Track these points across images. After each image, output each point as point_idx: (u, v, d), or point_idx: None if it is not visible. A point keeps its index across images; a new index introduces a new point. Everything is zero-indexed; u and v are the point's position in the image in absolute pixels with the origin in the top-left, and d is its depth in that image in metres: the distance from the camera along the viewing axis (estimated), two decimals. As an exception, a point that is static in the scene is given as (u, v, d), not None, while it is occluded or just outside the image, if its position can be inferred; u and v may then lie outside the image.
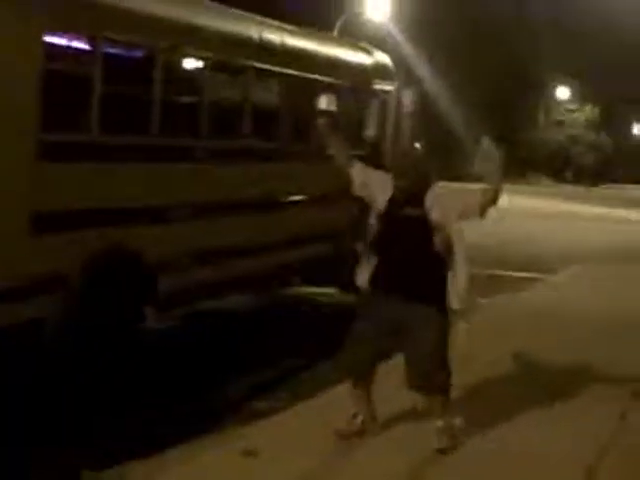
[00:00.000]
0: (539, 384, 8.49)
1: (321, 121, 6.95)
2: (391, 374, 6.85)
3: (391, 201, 6.55)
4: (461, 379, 7.65)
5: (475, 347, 9.61)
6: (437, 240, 6.37)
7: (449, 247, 6.42)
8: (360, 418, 6.83)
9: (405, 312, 6.41)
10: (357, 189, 6.81)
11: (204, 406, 8.01)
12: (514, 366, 9.03)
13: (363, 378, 6.76)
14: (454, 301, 6.49)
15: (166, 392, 8.32)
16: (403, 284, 6.44)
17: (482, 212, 6.49)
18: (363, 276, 6.65)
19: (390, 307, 6.46)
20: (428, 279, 6.45)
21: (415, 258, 6.39)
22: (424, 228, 6.38)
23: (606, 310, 12.25)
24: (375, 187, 6.69)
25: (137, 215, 8.80)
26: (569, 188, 58.36)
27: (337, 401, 7.29)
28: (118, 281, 8.57)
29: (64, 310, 8.07)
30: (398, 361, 6.78)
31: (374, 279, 6.58)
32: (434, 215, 6.37)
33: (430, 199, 6.43)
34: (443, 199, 6.48)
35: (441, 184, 6.64)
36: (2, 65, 7.36)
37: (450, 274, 6.48)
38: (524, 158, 66.57)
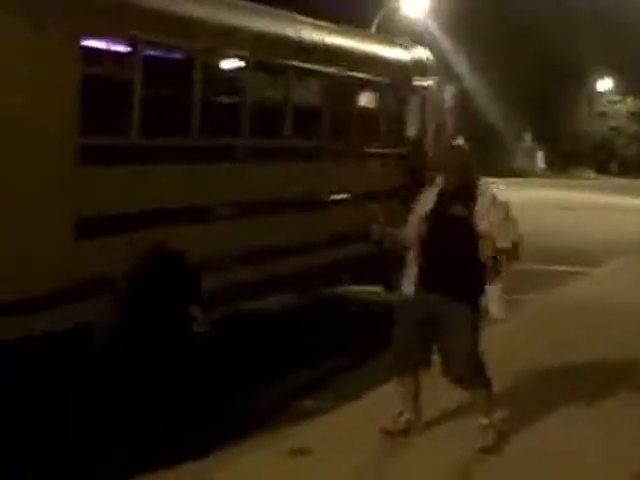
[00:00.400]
0: (585, 380, 8.44)
1: (374, 233, 6.86)
2: (437, 372, 6.81)
3: (439, 198, 6.53)
4: (505, 375, 7.64)
5: (518, 343, 9.62)
6: (482, 247, 6.33)
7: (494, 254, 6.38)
8: (406, 416, 6.83)
9: (442, 310, 6.44)
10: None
11: (252, 406, 8.01)
12: (558, 362, 8.95)
13: (410, 376, 6.74)
14: (499, 311, 6.48)
15: (213, 393, 8.33)
16: (444, 283, 6.45)
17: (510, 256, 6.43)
18: (409, 279, 6.62)
19: (429, 305, 6.48)
20: (467, 279, 6.44)
21: (458, 258, 6.38)
22: (469, 229, 6.35)
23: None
24: (420, 212, 6.65)
25: (179, 216, 8.80)
26: (614, 180, 57.79)
27: (383, 400, 7.31)
28: (163, 282, 8.57)
29: (112, 314, 8.09)
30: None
31: (418, 278, 6.55)
32: (482, 225, 6.33)
33: (481, 206, 6.38)
34: (495, 215, 6.39)
35: (488, 183, 6.61)
36: (41, 70, 7.38)
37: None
38: (567, 151, 66.26)
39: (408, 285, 6.64)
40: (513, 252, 6.38)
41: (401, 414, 6.83)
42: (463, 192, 6.47)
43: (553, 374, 8.59)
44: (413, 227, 6.65)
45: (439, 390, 6.90)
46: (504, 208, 6.51)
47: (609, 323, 10.98)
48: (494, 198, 6.52)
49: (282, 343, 10.18)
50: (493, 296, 6.47)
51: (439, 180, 6.67)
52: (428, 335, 6.55)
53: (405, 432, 6.78)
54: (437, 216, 6.50)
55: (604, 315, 11.44)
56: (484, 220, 6.35)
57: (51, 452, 6.74)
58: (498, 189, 6.79)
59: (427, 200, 6.64)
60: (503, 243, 6.30)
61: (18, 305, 7.16)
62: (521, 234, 6.41)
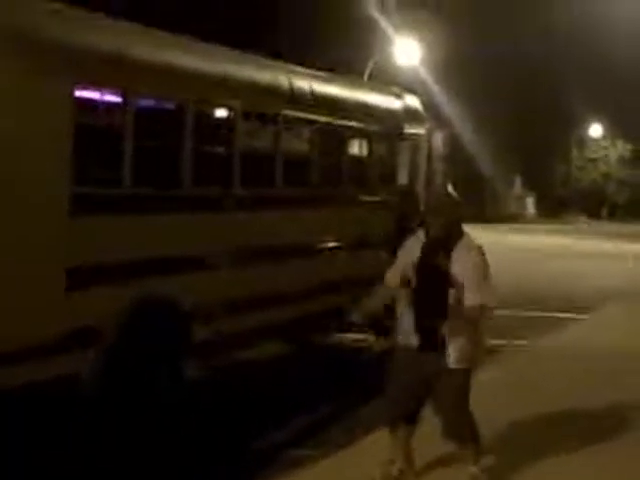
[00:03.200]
0: (576, 428, 8.45)
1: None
2: (425, 421, 6.81)
3: (425, 247, 6.54)
4: (492, 422, 7.65)
5: (506, 390, 9.59)
6: (451, 294, 6.34)
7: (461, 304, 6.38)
8: (397, 466, 6.80)
9: (430, 360, 6.43)
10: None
11: (242, 455, 8.00)
12: (547, 409, 8.96)
13: (403, 426, 6.74)
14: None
15: (203, 442, 8.30)
16: (429, 333, 6.40)
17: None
18: (403, 330, 6.62)
19: (419, 356, 6.46)
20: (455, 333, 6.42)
21: (441, 306, 6.30)
22: (450, 280, 6.36)
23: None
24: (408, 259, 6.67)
25: (170, 266, 8.82)
26: (605, 226, 57.90)
27: (374, 448, 7.29)
28: (153, 332, 8.58)
29: (100, 364, 8.08)
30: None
31: (412, 331, 6.55)
32: (455, 271, 6.36)
33: (458, 252, 6.41)
34: (468, 261, 6.42)
35: (473, 235, 6.64)
36: (34, 121, 7.45)
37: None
38: (558, 197, 66.55)
39: (403, 336, 6.64)
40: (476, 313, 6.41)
41: (392, 462, 6.82)
42: (447, 241, 6.50)
43: (541, 421, 8.60)
44: (396, 275, 6.66)
45: (429, 437, 6.88)
46: (479, 254, 6.53)
47: (597, 368, 11.02)
48: (471, 244, 6.55)
49: (273, 391, 10.16)
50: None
51: (426, 227, 6.68)
52: (420, 390, 6.56)
53: (396, 481, 6.78)
54: (423, 266, 6.50)
55: (592, 361, 11.48)
56: (457, 266, 6.36)
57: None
58: (479, 238, 6.78)
59: (413, 249, 6.65)
60: (469, 301, 6.34)
61: (5, 355, 7.15)
62: (491, 286, 6.43)
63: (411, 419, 6.75)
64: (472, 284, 6.37)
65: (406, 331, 6.58)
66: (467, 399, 6.57)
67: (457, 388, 6.47)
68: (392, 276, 6.70)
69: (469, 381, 6.59)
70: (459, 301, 6.33)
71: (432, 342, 6.40)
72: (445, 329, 6.30)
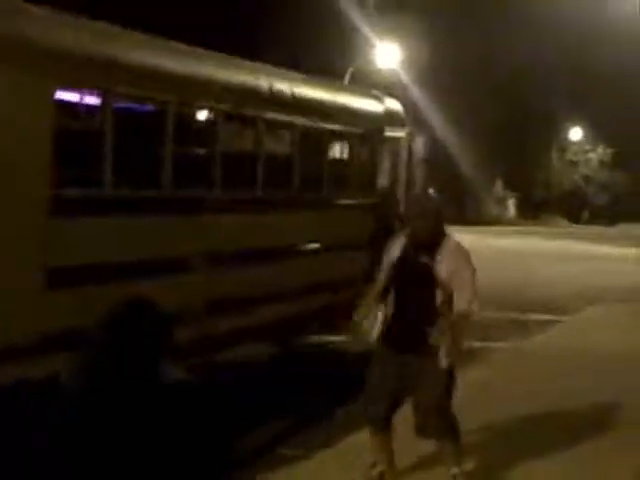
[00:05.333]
0: (558, 427, 8.49)
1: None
2: (408, 422, 6.81)
3: (407, 246, 6.55)
4: (477, 422, 7.66)
5: (489, 391, 9.62)
6: (438, 294, 6.35)
7: (448, 304, 6.38)
8: (379, 468, 6.80)
9: (412, 361, 6.41)
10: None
11: (225, 456, 7.98)
12: (528, 410, 8.99)
13: (381, 427, 6.73)
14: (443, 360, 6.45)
15: (185, 443, 8.28)
16: (414, 335, 6.40)
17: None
18: (376, 329, 6.61)
19: (401, 359, 6.45)
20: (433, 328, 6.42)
21: (424, 307, 6.32)
22: (434, 278, 6.35)
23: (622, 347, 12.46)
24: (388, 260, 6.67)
25: (152, 267, 8.81)
26: (585, 229, 58.11)
27: (356, 449, 7.30)
28: (134, 334, 8.56)
29: (80, 365, 8.06)
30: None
31: (387, 329, 6.55)
32: (441, 272, 6.36)
33: (442, 253, 6.41)
34: (454, 263, 6.41)
35: (456, 237, 6.63)
36: (14, 123, 7.42)
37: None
38: (539, 200, 66.79)
39: (382, 337, 6.62)
40: (463, 316, 6.40)
41: (374, 465, 6.82)
42: (430, 241, 6.50)
43: (524, 423, 8.62)
44: (383, 276, 6.65)
45: (411, 439, 6.87)
46: (465, 257, 6.54)
47: (581, 370, 11.06)
48: (456, 246, 6.57)
49: (255, 392, 10.14)
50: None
51: (408, 229, 6.69)
52: (398, 390, 6.55)
53: (378, 483, 6.78)
54: (404, 264, 6.52)
55: (576, 362, 11.56)
56: (443, 267, 6.37)
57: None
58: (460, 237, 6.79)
59: (395, 248, 6.66)
60: (459, 305, 6.34)
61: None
62: (476, 291, 6.43)
63: (387, 421, 6.74)
64: (465, 285, 6.36)
65: (385, 332, 6.59)
66: (450, 399, 6.57)
67: (441, 388, 6.46)
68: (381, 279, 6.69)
69: (453, 381, 6.58)
70: (445, 302, 6.33)
71: (414, 343, 6.40)
72: (432, 330, 6.31)
